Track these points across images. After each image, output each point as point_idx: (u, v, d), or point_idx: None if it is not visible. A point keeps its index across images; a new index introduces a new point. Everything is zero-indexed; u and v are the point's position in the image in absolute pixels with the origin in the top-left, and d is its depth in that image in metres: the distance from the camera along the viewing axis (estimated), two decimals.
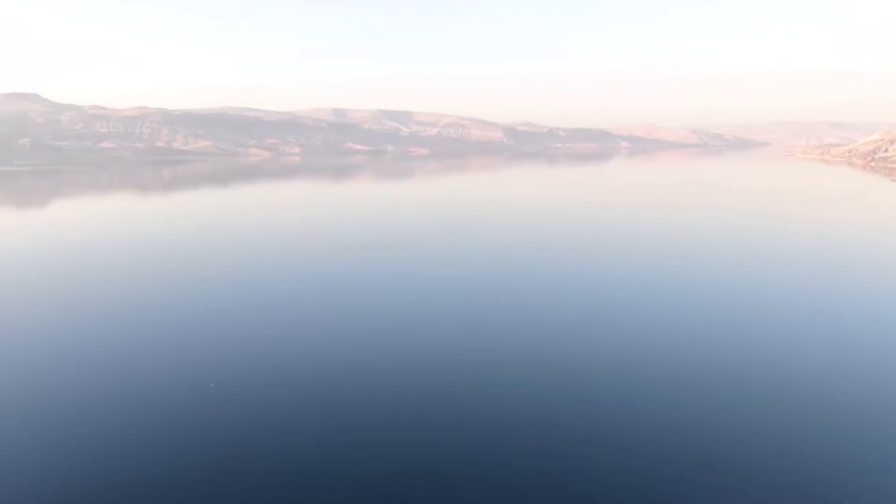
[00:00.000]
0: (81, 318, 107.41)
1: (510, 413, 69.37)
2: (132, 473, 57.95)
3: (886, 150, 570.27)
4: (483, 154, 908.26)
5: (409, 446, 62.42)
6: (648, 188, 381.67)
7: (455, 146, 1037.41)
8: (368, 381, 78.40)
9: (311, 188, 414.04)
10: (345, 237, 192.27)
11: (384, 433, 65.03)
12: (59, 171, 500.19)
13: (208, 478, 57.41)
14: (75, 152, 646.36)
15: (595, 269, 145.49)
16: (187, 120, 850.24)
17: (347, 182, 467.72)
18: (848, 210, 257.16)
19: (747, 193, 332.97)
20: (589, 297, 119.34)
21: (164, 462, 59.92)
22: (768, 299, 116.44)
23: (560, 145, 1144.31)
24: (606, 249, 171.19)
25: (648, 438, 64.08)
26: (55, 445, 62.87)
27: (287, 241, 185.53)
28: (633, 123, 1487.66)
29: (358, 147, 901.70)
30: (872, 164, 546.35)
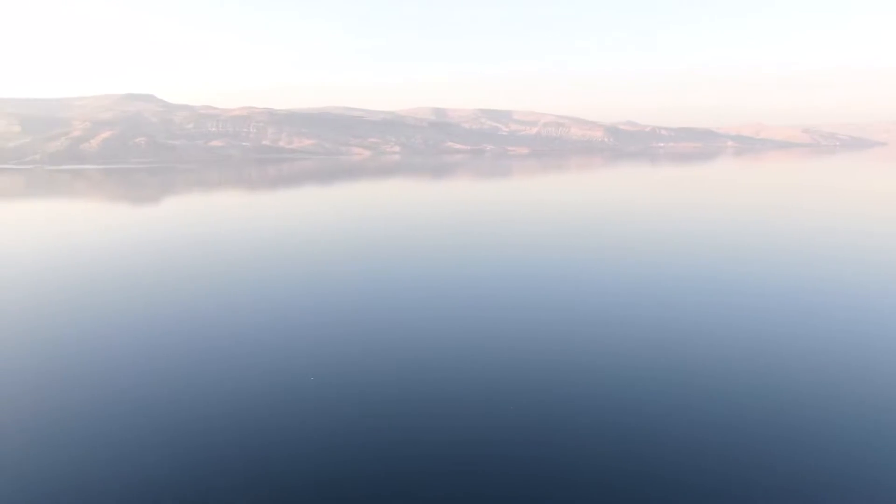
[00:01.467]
0: (191, 307, 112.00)
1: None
2: (231, 470, 60.32)
3: None
4: (583, 153, 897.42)
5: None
6: (752, 189, 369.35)
7: (555, 145, 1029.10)
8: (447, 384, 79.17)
9: (410, 186, 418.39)
10: (438, 236, 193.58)
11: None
12: (172, 168, 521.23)
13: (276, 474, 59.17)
14: (187, 150, 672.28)
15: (689, 274, 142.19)
16: (292, 119, 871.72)
17: (445, 180, 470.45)
18: None
19: (867, 195, 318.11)
20: (675, 304, 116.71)
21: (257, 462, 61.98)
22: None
23: (662, 145, 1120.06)
24: (701, 255, 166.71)
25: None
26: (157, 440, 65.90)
27: (387, 239, 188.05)
28: (740, 122, 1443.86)
29: (457, 146, 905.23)
30: None
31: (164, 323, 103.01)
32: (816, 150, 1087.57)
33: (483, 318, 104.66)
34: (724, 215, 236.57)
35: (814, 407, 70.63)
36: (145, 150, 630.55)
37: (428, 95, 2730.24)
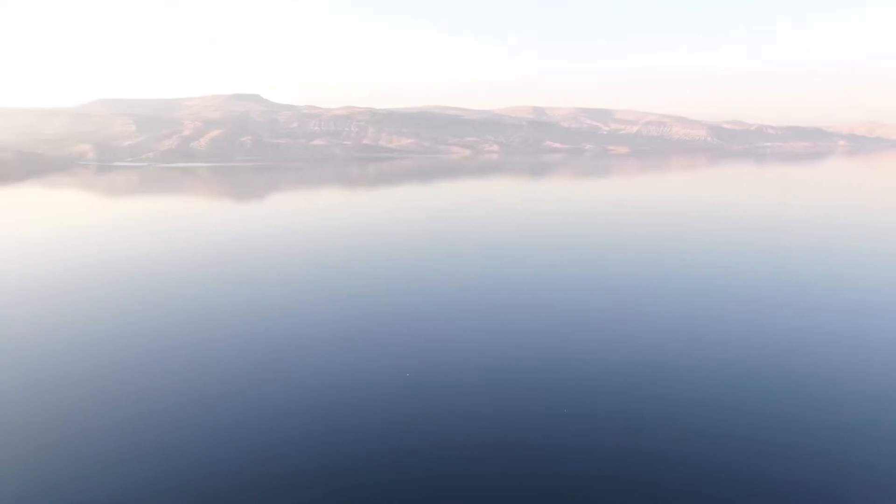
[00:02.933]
0: (283, 303, 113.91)
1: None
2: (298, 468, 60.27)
3: None
4: (685, 153, 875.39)
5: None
6: (868, 191, 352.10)
7: (656, 145, 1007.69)
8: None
9: (506, 185, 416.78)
10: (535, 235, 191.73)
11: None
12: (276, 167, 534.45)
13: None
14: (290, 149, 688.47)
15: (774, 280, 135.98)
16: (392, 119, 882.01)
17: (543, 180, 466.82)
18: None
19: None
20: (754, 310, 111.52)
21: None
22: None
23: (769, 144, 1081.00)
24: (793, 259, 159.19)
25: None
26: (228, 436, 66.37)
27: (480, 238, 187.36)
28: (853, 121, 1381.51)
29: (556, 145, 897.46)
30: None
31: (259, 318, 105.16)
32: None
33: (565, 321, 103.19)
34: (840, 218, 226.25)
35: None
36: (251, 148, 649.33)
37: (527, 94, 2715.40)
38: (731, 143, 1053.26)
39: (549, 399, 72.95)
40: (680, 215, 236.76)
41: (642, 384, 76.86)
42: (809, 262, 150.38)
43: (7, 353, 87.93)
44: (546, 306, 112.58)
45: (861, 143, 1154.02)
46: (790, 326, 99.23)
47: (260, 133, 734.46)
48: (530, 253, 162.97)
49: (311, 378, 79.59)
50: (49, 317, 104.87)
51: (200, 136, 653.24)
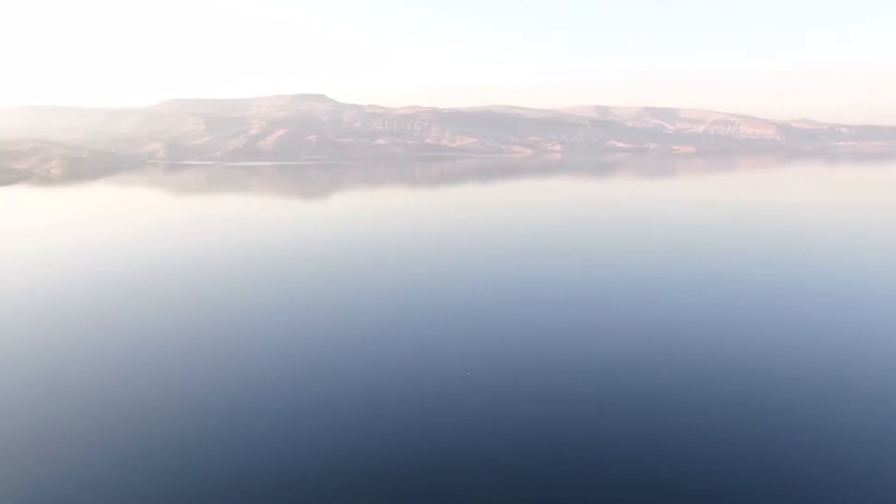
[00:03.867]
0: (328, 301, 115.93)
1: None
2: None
3: None
4: (753, 153, 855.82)
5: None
6: None
7: (723, 144, 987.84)
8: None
9: (568, 185, 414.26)
10: (581, 236, 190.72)
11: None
12: (340, 165, 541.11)
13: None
14: (354, 148, 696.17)
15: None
16: (455, 118, 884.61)
17: (606, 180, 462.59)
18: None
19: None
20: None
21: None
22: None
23: (842, 144, 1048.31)
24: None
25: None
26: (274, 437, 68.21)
27: (542, 238, 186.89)
28: None
29: (620, 144, 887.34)
30: None
31: (317, 314, 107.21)
32: None
33: (625, 324, 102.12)
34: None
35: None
36: (315, 147, 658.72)
37: (591, 93, 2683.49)
38: (801, 142, 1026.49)
39: (608, 403, 73.47)
40: (742, 218, 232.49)
41: (706, 393, 76.66)
42: (886, 272, 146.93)
43: (79, 337, 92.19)
44: (606, 308, 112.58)
45: None
46: (859, 338, 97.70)
47: (324, 132, 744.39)
48: (591, 254, 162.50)
49: (379, 374, 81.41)
50: (108, 308, 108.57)
51: (267, 136, 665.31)
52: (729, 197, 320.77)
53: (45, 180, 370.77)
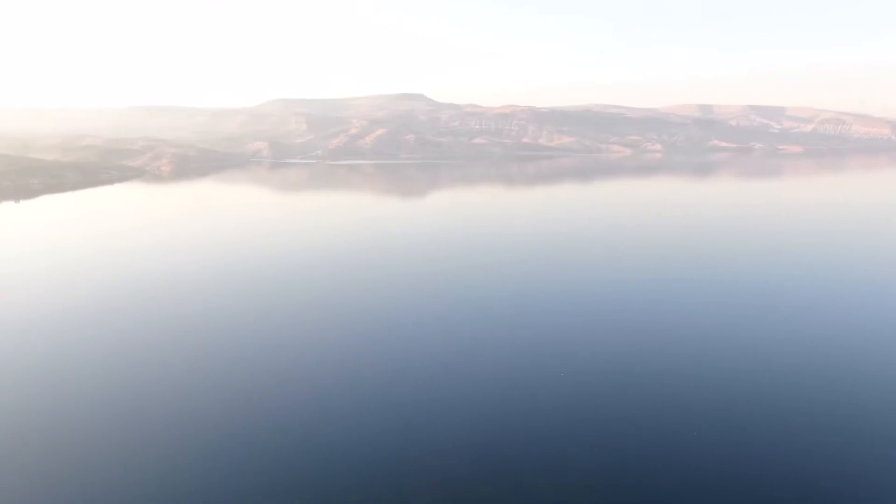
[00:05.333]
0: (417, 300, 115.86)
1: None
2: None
3: None
4: (866, 153, 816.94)
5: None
6: None
7: (833, 144, 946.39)
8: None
9: (668, 185, 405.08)
10: (673, 238, 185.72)
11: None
12: (437, 164, 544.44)
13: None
14: (451, 147, 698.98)
15: None
16: (552, 117, 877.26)
17: (708, 180, 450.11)
18: None
19: None
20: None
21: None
22: None
23: None
24: None
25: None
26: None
27: (634, 241, 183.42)
28: None
29: (723, 144, 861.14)
30: None
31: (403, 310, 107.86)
32: None
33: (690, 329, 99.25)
34: None
35: None
36: (413, 146, 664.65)
37: (693, 92, 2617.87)
38: None
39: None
40: (839, 220, 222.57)
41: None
42: None
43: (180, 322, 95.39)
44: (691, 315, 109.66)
45: None
46: None
47: (423, 131, 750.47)
48: (680, 256, 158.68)
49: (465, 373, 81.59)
50: (211, 301, 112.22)
51: (366, 135, 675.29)
52: (838, 198, 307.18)
53: (156, 177, 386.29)
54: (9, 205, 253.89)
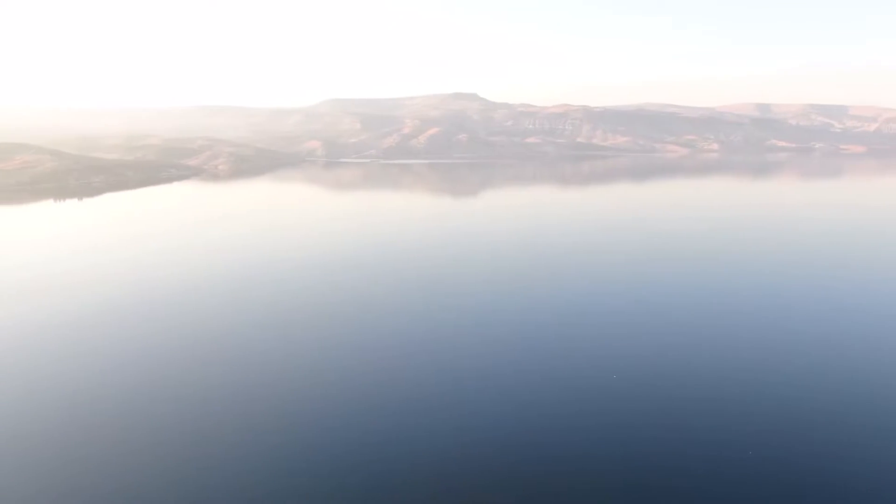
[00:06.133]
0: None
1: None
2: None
3: None
4: None
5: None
6: None
7: None
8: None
9: (725, 185, 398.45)
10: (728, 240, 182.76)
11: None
12: (489, 164, 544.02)
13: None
14: (504, 147, 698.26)
15: None
16: (607, 116, 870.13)
17: (766, 180, 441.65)
18: None
19: None
20: None
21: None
22: None
23: None
24: None
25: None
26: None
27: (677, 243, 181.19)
28: None
29: (782, 144, 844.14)
30: None
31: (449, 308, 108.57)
32: None
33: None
34: None
35: None
36: (466, 146, 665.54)
37: (751, 91, 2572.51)
38: None
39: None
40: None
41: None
42: None
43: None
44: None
45: None
46: None
47: (476, 131, 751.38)
48: (738, 259, 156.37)
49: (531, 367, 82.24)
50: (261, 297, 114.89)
51: (419, 134, 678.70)
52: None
53: (214, 176, 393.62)
54: (72, 202, 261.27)
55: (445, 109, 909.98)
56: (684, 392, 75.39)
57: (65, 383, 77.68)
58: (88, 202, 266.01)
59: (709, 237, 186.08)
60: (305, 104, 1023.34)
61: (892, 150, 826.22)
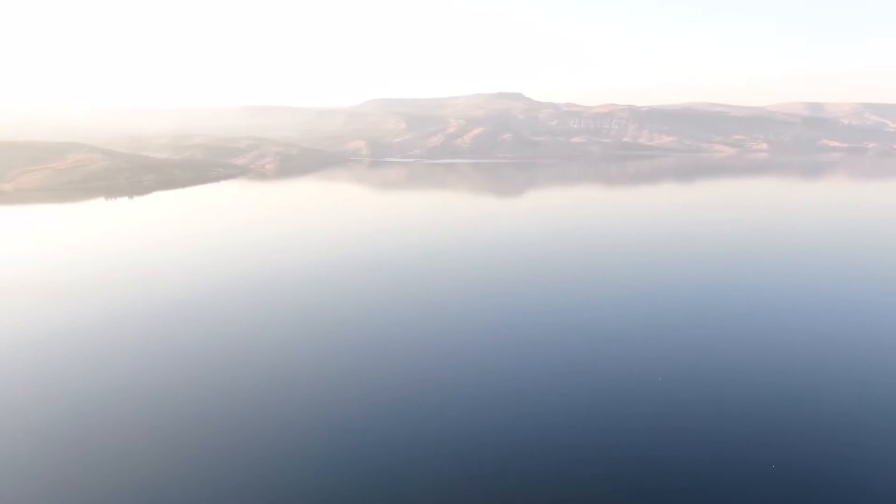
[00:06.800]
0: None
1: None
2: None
3: None
4: None
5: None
6: None
7: None
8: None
9: (775, 186, 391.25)
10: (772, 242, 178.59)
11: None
12: (534, 163, 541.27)
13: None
14: (549, 146, 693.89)
15: None
16: (653, 116, 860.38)
17: (819, 182, 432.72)
18: None
19: None
20: None
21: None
22: None
23: None
24: None
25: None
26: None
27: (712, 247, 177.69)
28: None
29: (833, 143, 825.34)
30: None
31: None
32: None
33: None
34: None
35: None
36: (511, 145, 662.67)
37: (802, 90, 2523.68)
38: None
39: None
40: None
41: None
42: None
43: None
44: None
45: None
46: None
47: (520, 130, 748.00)
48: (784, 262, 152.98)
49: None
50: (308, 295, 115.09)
51: (464, 134, 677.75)
52: None
53: (260, 175, 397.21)
54: (122, 200, 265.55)
55: (490, 109, 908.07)
56: (740, 392, 73.66)
57: (107, 380, 79.00)
58: (138, 200, 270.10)
59: (754, 238, 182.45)
60: (350, 104, 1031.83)
61: None
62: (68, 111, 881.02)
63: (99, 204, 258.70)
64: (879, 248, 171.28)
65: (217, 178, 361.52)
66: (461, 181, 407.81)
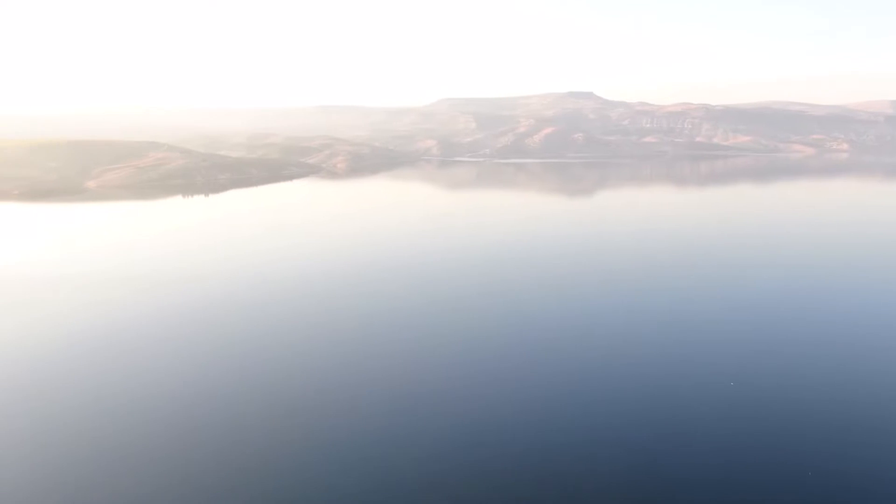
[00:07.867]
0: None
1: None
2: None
3: None
4: None
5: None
6: None
7: None
8: None
9: (853, 188, 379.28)
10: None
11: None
12: (606, 163, 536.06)
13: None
14: (621, 146, 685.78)
15: None
16: (728, 115, 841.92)
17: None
18: None
19: None
20: None
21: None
22: None
23: None
24: None
25: None
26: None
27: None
28: None
29: None
30: None
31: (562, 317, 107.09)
32: None
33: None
34: None
35: None
36: (582, 145, 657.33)
37: (887, 87, 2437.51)
38: None
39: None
40: None
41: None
42: None
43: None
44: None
45: None
46: None
47: (591, 130, 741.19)
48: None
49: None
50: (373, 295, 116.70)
51: (534, 133, 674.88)
52: None
53: (332, 174, 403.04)
54: (199, 198, 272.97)
55: (561, 108, 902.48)
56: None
57: (173, 376, 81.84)
58: (214, 198, 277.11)
59: (840, 243, 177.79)
60: (421, 103, 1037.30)
61: None
62: (149, 111, 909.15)
63: (177, 201, 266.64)
64: None
65: (290, 177, 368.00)
66: (531, 181, 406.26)
